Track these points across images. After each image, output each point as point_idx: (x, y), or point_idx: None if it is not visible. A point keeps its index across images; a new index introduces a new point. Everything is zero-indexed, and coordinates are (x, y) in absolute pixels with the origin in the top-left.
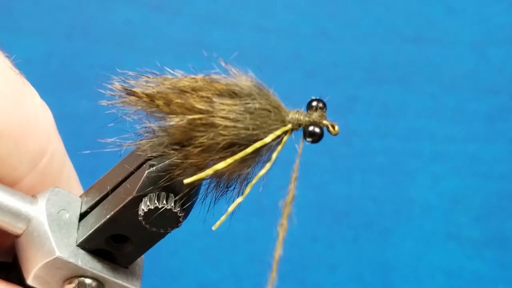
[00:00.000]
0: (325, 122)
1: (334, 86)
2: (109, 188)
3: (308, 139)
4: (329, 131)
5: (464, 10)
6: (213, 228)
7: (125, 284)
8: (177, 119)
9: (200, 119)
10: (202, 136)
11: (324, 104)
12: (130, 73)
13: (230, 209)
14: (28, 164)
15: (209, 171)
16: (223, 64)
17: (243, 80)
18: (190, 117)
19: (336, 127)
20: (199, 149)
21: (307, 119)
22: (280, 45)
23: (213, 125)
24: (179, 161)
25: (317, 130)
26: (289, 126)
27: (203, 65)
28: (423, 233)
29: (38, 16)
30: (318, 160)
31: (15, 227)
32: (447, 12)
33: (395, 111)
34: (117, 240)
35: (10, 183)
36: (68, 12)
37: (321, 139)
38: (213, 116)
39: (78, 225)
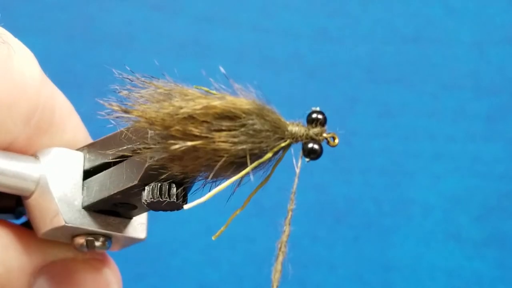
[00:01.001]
0: (324, 135)
1: (334, 86)
2: (111, 158)
3: (307, 159)
4: (328, 143)
5: (464, 10)
6: (213, 238)
7: (132, 236)
8: (177, 146)
9: (199, 144)
10: (202, 158)
11: (324, 117)
12: (128, 76)
13: (229, 220)
14: (22, 124)
15: (210, 194)
16: (223, 72)
17: (242, 101)
18: (190, 144)
19: (336, 140)
20: (199, 166)
21: (305, 134)
22: (280, 45)
23: (212, 149)
24: (178, 174)
25: (316, 147)
26: (288, 141)
27: (203, 66)
28: (423, 233)
29: (38, 16)
30: (318, 160)
31: (22, 191)
32: (447, 12)
33: (395, 111)
34: (121, 204)
35: (6, 145)
36: (68, 12)
37: (320, 157)
38: (213, 142)
39: (83, 185)
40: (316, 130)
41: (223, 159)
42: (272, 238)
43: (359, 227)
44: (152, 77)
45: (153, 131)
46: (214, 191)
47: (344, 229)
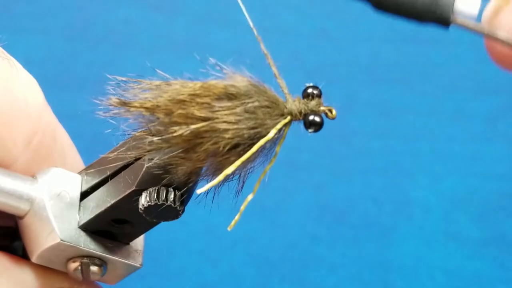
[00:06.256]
0: (322, 108)
1: (334, 86)
2: (108, 173)
3: (310, 130)
4: (327, 116)
5: None
6: (229, 228)
7: (127, 261)
8: (181, 131)
9: (202, 127)
10: (207, 142)
11: (320, 91)
12: (123, 78)
13: (242, 207)
14: (22, 145)
15: (220, 178)
16: (216, 64)
17: (239, 80)
18: (193, 126)
19: (334, 111)
20: (204, 154)
21: (305, 107)
22: (280, 45)
23: (216, 131)
24: (182, 167)
25: (317, 119)
26: (289, 118)
27: (202, 66)
28: (423, 233)
29: (38, 16)
30: (318, 160)
31: (18, 209)
32: None
33: (395, 111)
34: (118, 222)
35: (5, 165)
36: (68, 12)
37: (322, 127)
38: (215, 122)
39: (79, 205)
40: (314, 102)
41: (229, 140)
42: (272, 238)
43: (359, 227)
44: (150, 77)
45: (152, 137)
46: (226, 171)
47: (344, 229)
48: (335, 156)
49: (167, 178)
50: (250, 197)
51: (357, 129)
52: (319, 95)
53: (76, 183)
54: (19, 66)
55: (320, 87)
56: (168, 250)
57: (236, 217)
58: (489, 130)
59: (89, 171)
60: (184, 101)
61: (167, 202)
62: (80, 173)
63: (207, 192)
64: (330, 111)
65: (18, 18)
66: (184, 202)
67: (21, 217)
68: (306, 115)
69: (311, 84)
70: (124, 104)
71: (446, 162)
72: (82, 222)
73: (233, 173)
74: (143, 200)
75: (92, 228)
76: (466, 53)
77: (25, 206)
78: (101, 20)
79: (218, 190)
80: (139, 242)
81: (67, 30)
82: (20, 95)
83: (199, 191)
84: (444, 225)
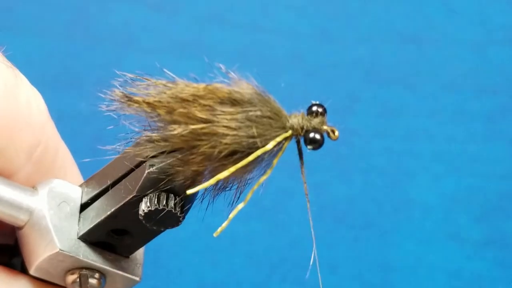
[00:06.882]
0: (325, 127)
1: (334, 86)
2: (109, 182)
3: (309, 147)
4: (329, 136)
5: (464, 10)
6: (215, 235)
7: (126, 274)
8: (180, 129)
9: (202, 128)
10: (204, 145)
11: (325, 109)
12: (130, 75)
13: (231, 215)
14: (24, 156)
15: (212, 181)
16: (223, 69)
17: (244, 87)
18: (193, 127)
19: (336, 132)
20: (201, 157)
21: (307, 124)
22: (280, 45)
23: (215, 134)
24: (180, 168)
25: (317, 136)
26: (290, 132)
27: (203, 66)
28: (423, 233)
29: (38, 16)
30: (318, 160)
31: (17, 219)
32: (447, 12)
33: (395, 111)
34: (117, 233)
35: (7, 175)
36: (68, 12)
37: (322, 146)
38: (215, 126)
39: (79, 217)
40: (317, 120)
41: (227, 145)
42: (272, 238)
43: (359, 227)
44: (153, 76)
45: (150, 133)
46: (219, 176)
47: (344, 229)
48: (335, 156)
49: (167, 183)
50: (241, 206)
51: (357, 129)
52: (323, 114)
53: (76, 195)
54: (23, 77)
55: (325, 105)
56: (168, 250)
57: (224, 224)
58: (489, 130)
59: (89, 183)
60: (187, 100)
61: (167, 207)
62: (80, 186)
63: (206, 193)
64: (333, 131)
65: (18, 18)
66: (184, 208)
67: (20, 228)
68: (307, 132)
69: (317, 102)
70: (126, 97)
71: (446, 162)
72: (81, 233)
73: (228, 180)
74: (143, 206)
75: (91, 239)
76: (466, 53)
77: (24, 216)
78: (101, 20)
79: (214, 196)
80: (139, 256)
81: (67, 30)
82: (24, 105)
83: (189, 191)
84: (444, 225)
